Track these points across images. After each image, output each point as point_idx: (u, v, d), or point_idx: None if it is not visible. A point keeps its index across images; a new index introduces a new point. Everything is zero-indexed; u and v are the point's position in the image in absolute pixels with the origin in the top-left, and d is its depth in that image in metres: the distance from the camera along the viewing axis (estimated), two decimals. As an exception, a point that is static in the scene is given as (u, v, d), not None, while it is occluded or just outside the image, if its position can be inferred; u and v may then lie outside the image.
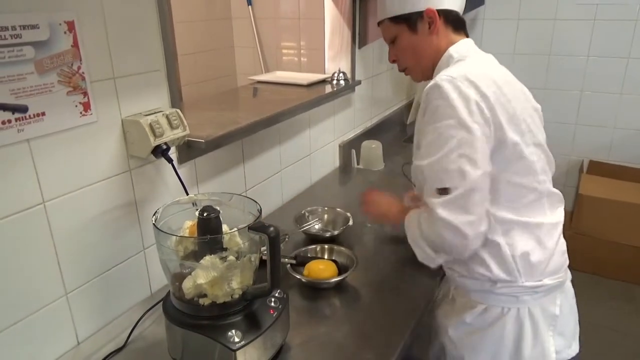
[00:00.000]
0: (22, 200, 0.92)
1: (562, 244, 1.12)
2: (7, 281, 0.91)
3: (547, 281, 1.07)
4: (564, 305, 1.12)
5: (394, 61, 1.20)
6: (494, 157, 1.00)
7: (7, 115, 0.86)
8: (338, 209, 1.61)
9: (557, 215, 1.11)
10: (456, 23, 1.14)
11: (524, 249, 1.05)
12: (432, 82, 1.01)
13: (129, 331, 1.09)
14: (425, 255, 1.09)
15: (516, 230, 1.05)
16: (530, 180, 1.04)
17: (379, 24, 1.19)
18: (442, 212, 0.96)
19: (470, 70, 1.02)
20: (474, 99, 0.97)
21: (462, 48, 1.11)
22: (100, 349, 1.06)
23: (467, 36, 1.15)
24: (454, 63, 1.08)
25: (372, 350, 1.04)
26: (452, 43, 1.11)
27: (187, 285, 0.92)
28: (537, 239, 1.06)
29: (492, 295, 1.09)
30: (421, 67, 1.16)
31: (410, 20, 1.11)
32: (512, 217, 1.04)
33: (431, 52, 1.12)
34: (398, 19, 1.13)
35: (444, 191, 0.97)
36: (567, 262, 1.14)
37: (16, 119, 0.88)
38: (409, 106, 2.88)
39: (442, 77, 1.00)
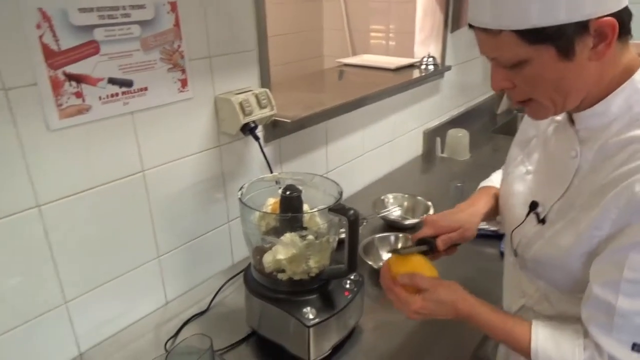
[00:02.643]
0: (126, 167, 1.00)
1: None
2: (110, 238, 1.01)
3: None
4: None
5: (502, 89, 0.73)
6: None
7: (115, 88, 0.94)
8: (418, 197, 1.58)
9: None
10: (627, 26, 0.67)
11: None
12: None
13: (211, 297, 1.15)
14: None
15: None
16: None
17: (479, 29, 0.70)
18: None
19: None
20: None
21: None
22: (185, 310, 1.13)
23: (631, 34, 0.69)
24: None
25: (447, 341, 1.02)
26: (622, 64, 0.69)
27: (268, 259, 0.95)
28: None
29: None
30: (562, 105, 0.70)
31: (562, 39, 0.63)
32: None
33: (589, 84, 0.68)
34: (537, 35, 0.63)
35: None
36: None
37: (122, 93, 0.95)
38: (500, 95, 2.72)
39: None
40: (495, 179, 1.06)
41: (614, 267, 0.66)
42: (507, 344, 0.78)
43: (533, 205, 0.80)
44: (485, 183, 1.07)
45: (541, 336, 0.74)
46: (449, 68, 2.07)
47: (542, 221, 0.78)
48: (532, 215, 0.80)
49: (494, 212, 1.01)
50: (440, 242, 0.92)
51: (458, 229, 0.93)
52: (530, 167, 0.86)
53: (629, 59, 0.69)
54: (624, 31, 0.65)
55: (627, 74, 0.68)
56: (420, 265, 0.87)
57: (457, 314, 0.80)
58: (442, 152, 2.11)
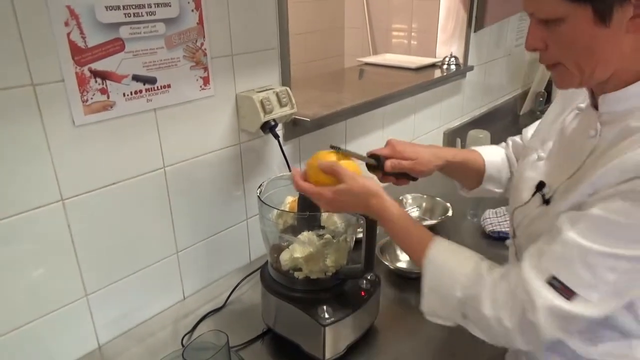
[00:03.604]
0: (147, 163, 1.01)
1: None
2: (131, 233, 1.02)
3: None
4: None
5: (535, 49, 0.71)
6: None
7: (139, 85, 0.95)
8: (437, 198, 1.56)
9: None
10: None
11: None
12: None
13: (228, 293, 1.16)
14: (444, 314, 0.75)
15: None
16: None
17: None
18: (541, 317, 0.63)
19: None
20: None
21: None
22: (202, 305, 1.15)
23: None
24: None
25: (465, 343, 1.01)
26: None
27: (285, 257, 0.95)
28: None
29: None
30: (589, 75, 0.68)
31: (601, 1, 0.61)
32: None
33: (621, 58, 0.66)
34: None
35: (564, 290, 0.63)
36: None
37: (146, 90, 0.97)
38: (523, 96, 2.68)
39: None
40: (487, 148, 1.05)
41: (581, 210, 0.65)
42: (407, 246, 0.80)
43: (540, 186, 0.78)
44: (475, 147, 1.06)
45: (442, 245, 0.75)
46: (471, 68, 2.05)
47: (546, 202, 0.75)
48: (538, 196, 0.78)
49: (460, 170, 1.00)
50: (389, 163, 0.92)
51: (414, 159, 0.93)
52: (542, 154, 0.83)
53: None
54: None
55: None
56: (353, 168, 0.85)
57: (369, 209, 0.81)
58: (463, 153, 2.08)
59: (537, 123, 0.96)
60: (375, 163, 0.92)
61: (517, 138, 1.05)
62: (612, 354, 0.73)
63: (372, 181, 0.83)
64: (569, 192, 0.70)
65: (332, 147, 0.89)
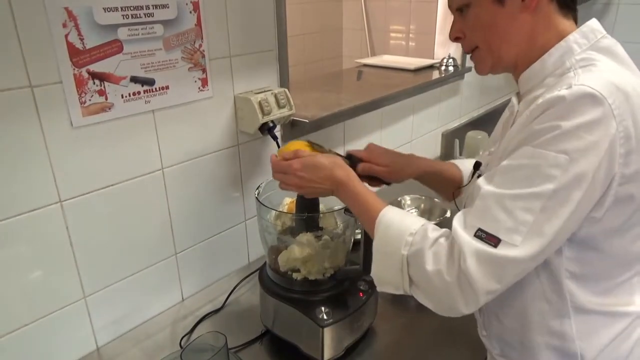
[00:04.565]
0: (146, 165, 1.01)
1: None
2: (129, 234, 1.02)
3: None
4: None
5: (457, 39, 0.81)
6: (607, 216, 0.68)
7: (137, 87, 0.95)
8: (436, 199, 1.56)
9: None
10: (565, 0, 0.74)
11: (602, 349, 0.75)
12: (578, 89, 0.63)
13: (226, 295, 1.16)
14: (392, 278, 0.75)
15: (595, 322, 0.75)
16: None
17: None
18: (471, 264, 0.65)
19: (626, 84, 0.66)
20: (620, 138, 0.63)
21: (591, 36, 0.72)
22: (201, 307, 1.15)
23: (576, 22, 0.76)
24: (586, 65, 0.69)
25: (462, 345, 1.01)
26: (556, 29, 0.73)
27: (283, 258, 0.95)
28: (623, 337, 0.76)
29: None
30: (497, 54, 0.77)
31: None
32: (596, 302, 0.74)
33: (520, 37, 0.74)
34: None
35: (489, 238, 0.65)
36: None
37: (144, 91, 0.97)
38: (521, 97, 2.69)
39: (592, 85, 0.63)
40: (465, 162, 1.08)
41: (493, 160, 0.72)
42: (364, 215, 0.81)
43: (476, 166, 0.85)
44: (454, 161, 1.10)
45: (394, 209, 0.79)
46: (469, 69, 2.05)
47: (479, 177, 0.79)
48: (476, 176, 0.84)
49: (437, 181, 1.05)
50: (361, 166, 0.97)
51: (387, 166, 0.98)
52: (492, 149, 0.88)
53: (565, 26, 0.74)
54: (564, 2, 0.73)
55: (563, 39, 0.73)
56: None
57: (333, 178, 0.84)
58: (461, 154, 2.08)
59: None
60: (348, 163, 0.95)
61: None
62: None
63: (337, 157, 0.89)
64: (491, 162, 0.78)
65: (308, 141, 0.93)
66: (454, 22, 0.81)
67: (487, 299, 0.67)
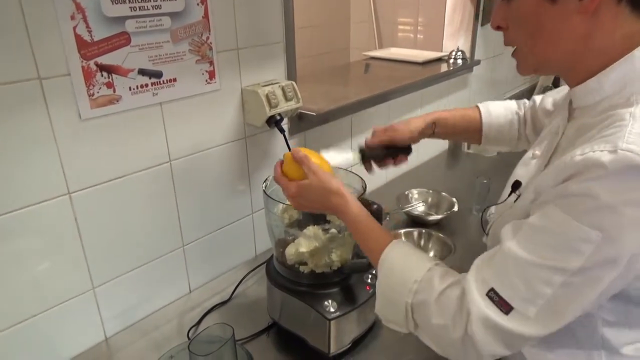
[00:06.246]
0: (153, 157, 1.01)
1: None
2: (137, 226, 1.03)
3: None
4: None
5: (499, 28, 0.70)
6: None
7: (145, 79, 0.95)
8: (443, 193, 1.56)
9: None
10: None
11: None
12: (624, 157, 0.52)
13: (233, 287, 1.17)
14: (396, 320, 0.72)
15: None
16: None
17: None
18: (477, 330, 0.60)
19: None
20: None
21: None
22: (208, 299, 1.15)
23: None
24: None
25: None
26: (621, 32, 0.60)
27: (290, 251, 0.95)
28: None
29: None
30: (542, 57, 0.66)
31: None
32: (632, 347, 0.67)
33: (571, 41, 0.62)
34: None
35: (501, 302, 0.59)
36: None
37: (152, 84, 0.97)
38: (531, 90, 2.66)
39: None
40: (492, 105, 1.07)
41: (524, 218, 0.62)
42: (365, 246, 0.77)
43: (515, 185, 0.77)
44: (483, 103, 1.08)
45: (398, 248, 0.73)
46: (478, 62, 2.04)
47: (518, 197, 0.74)
48: (513, 196, 0.76)
49: (455, 130, 1.04)
50: (378, 144, 0.98)
51: (400, 127, 0.99)
52: (537, 152, 0.80)
53: (633, 32, 0.60)
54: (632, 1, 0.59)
55: (629, 49, 0.60)
56: (324, 166, 0.87)
57: (330, 207, 0.81)
58: (469, 148, 2.07)
59: (560, 90, 0.93)
60: (364, 155, 0.98)
61: (537, 99, 1.03)
62: None
63: (334, 179, 0.82)
64: (531, 184, 0.68)
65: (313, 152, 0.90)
66: (497, 8, 0.69)
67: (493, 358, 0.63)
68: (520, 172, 0.80)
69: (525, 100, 1.07)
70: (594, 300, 0.57)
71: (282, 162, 0.90)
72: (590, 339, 0.68)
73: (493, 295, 0.60)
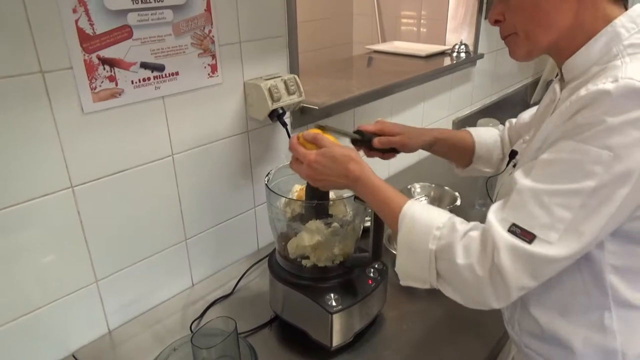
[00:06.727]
0: (156, 151, 1.02)
1: None
2: (140, 220, 1.03)
3: None
4: None
5: (497, 22, 0.77)
6: None
7: (147, 73, 0.95)
8: (446, 187, 1.56)
9: None
10: None
11: None
12: (626, 84, 0.59)
13: (236, 280, 1.17)
14: (418, 273, 0.74)
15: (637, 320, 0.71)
16: None
17: None
18: (505, 259, 0.63)
19: None
20: None
21: (639, 20, 0.67)
22: (211, 292, 1.16)
23: (627, 8, 0.71)
24: (634, 53, 0.65)
25: (470, 332, 1.01)
26: (603, 13, 0.68)
27: (292, 245, 0.96)
28: None
29: None
30: (534, 40, 0.73)
31: None
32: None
33: (563, 24, 0.70)
34: None
35: (523, 234, 0.63)
36: None
37: (154, 77, 0.96)
38: (534, 85, 2.65)
39: None
40: (479, 129, 1.10)
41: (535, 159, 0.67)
42: (383, 210, 0.80)
43: (512, 155, 0.83)
44: (468, 128, 1.11)
45: (417, 204, 0.76)
46: (481, 56, 2.03)
47: (515, 166, 0.78)
48: (511, 164, 0.82)
49: (449, 148, 1.07)
50: (377, 140, 1.00)
51: (402, 134, 1.02)
52: (527, 137, 0.85)
53: (614, 11, 0.68)
54: None
55: (609, 24, 0.68)
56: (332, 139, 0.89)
57: (347, 174, 0.82)
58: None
59: (534, 108, 0.97)
60: (360, 137, 1.00)
61: (513, 120, 1.09)
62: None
63: (351, 149, 0.86)
64: (528, 151, 0.74)
65: (317, 125, 0.93)
66: (496, 3, 0.76)
67: (519, 294, 0.65)
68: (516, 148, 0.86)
69: (502, 126, 1.12)
70: (610, 219, 0.61)
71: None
72: (600, 292, 0.70)
73: (515, 229, 0.64)
